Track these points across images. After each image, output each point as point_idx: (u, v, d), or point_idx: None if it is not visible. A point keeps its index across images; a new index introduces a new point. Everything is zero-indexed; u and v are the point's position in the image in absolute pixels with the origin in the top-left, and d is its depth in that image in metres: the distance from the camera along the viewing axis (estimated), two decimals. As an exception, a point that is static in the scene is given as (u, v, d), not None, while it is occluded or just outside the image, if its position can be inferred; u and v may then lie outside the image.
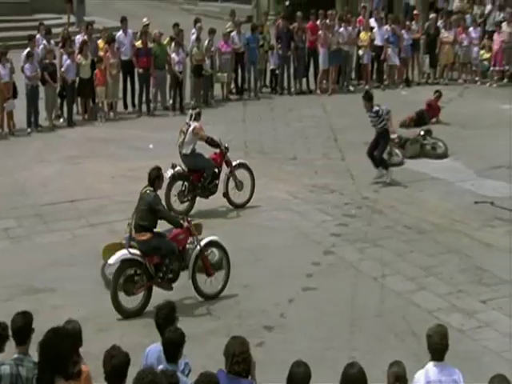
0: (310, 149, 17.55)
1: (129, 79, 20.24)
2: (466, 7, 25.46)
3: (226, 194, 13.84)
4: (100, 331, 9.75)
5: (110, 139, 18.01)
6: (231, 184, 13.88)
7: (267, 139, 18.26)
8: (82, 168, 16.05)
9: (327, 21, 22.44)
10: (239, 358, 6.29)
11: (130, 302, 10.35)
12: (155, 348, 7.03)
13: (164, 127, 18.89)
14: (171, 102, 20.47)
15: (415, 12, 24.64)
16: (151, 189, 10.42)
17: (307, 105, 21.24)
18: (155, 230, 10.48)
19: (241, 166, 14.06)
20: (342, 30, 22.41)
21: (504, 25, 22.99)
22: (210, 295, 10.80)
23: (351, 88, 22.60)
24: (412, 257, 12.16)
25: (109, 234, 12.41)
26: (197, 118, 13.54)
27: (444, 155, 16.83)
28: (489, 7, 24.83)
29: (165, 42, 20.53)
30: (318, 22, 22.46)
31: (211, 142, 13.69)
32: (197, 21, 21.57)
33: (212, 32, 20.97)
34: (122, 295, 10.28)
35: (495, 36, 23.00)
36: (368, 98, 15.20)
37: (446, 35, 23.20)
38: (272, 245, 12.48)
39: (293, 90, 22.47)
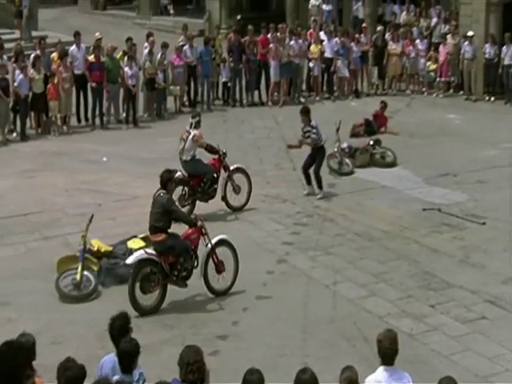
0: (262, 159, 17.76)
1: (82, 93, 20.29)
2: (412, 20, 25.85)
3: (224, 198, 14.37)
4: (54, 344, 9.79)
5: (63, 153, 18.01)
6: (229, 188, 14.36)
7: (220, 151, 18.47)
8: (35, 182, 16.05)
9: (278, 34, 22.77)
10: (193, 367, 6.32)
11: (146, 299, 10.76)
12: (110, 359, 7.05)
13: (117, 140, 19.01)
14: (124, 115, 20.55)
15: (364, 25, 25.02)
16: (164, 191, 10.88)
17: (259, 116, 21.48)
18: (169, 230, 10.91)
19: (238, 170, 14.65)
20: (292, 42, 22.72)
21: (449, 37, 23.52)
22: (220, 291, 11.27)
23: (302, 99, 22.85)
24: (363, 264, 12.38)
25: (63, 247, 12.48)
26: (197, 126, 14.07)
27: (393, 164, 17.14)
28: (434, 20, 25.28)
29: (118, 56, 20.64)
30: (269, 36, 22.77)
31: (210, 149, 14.26)
32: (149, 35, 21.73)
33: (165, 46, 21.17)
34: (138, 293, 10.67)
35: (441, 48, 23.45)
36: (305, 111, 15.45)
37: (393, 47, 23.63)
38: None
39: (245, 102, 22.69)
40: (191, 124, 14.07)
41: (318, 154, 15.27)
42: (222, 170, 14.33)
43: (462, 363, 9.58)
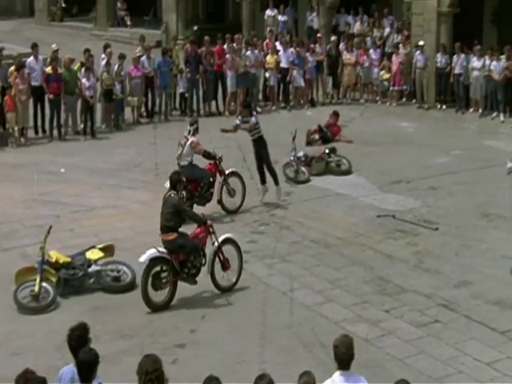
0: (220, 169, 17.92)
1: (39, 105, 20.25)
2: (366, 30, 26.23)
3: (220, 201, 14.85)
4: (13, 355, 9.82)
5: (21, 164, 17.99)
6: (225, 191, 14.90)
7: (178, 161, 18.58)
8: (-7, 193, 16.02)
9: (234, 45, 22.96)
10: (152, 376, 6.39)
11: (158, 296, 11.24)
12: (69, 369, 7.03)
13: (75, 152, 19.02)
14: (82, 126, 20.55)
15: (319, 35, 25.32)
16: (174, 192, 11.52)
17: (216, 126, 21.55)
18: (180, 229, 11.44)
19: (233, 174, 15.16)
20: (248, 53, 22.91)
21: (401, 46, 23.92)
22: (226, 288, 11.79)
23: (258, 109, 22.97)
24: (319, 270, 12.55)
25: (21, 259, 12.49)
26: (194, 132, 14.53)
27: (348, 172, 17.34)
28: (387, 30, 25.66)
29: (75, 68, 20.66)
30: (226, 46, 22.96)
31: (207, 155, 14.76)
32: (106, 46, 21.82)
33: (122, 57, 21.25)
34: (150, 290, 11.14)
35: (394, 57, 23.84)
36: (246, 105, 16.26)
37: (348, 57, 23.92)
38: (184, 264, 12.74)
39: (202, 112, 22.80)
40: (189, 131, 14.57)
41: (259, 148, 15.50)
42: (218, 175, 14.85)
43: (416, 366, 9.78)
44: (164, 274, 11.25)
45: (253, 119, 15.42)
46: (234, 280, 11.91)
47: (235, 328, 10.72)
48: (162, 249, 11.22)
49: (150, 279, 11.11)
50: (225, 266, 11.75)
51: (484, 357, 9.98)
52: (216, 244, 11.70)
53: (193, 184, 14.44)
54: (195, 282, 11.53)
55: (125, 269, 11.87)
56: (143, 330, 10.66)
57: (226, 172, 14.94)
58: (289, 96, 23.65)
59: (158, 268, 11.21)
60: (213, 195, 14.70)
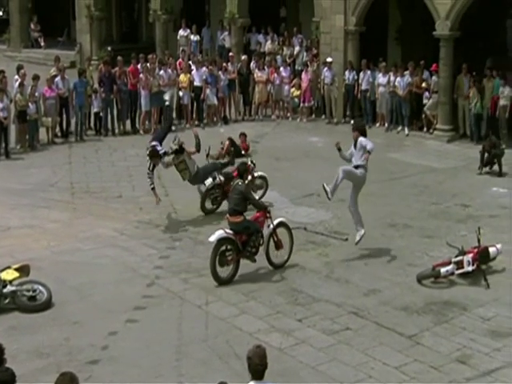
0: (135, 186, 18.00)
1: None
2: (276, 48, 26.84)
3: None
4: None
5: None
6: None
7: (93, 179, 18.60)
8: None
9: (148, 64, 23.16)
10: None
11: (223, 272, 12.71)
12: None
13: (-11, 173, 18.85)
14: (-4, 147, 20.41)
15: (231, 54, 25.76)
16: (241, 180, 13.18)
17: (131, 145, 21.74)
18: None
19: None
20: (162, 72, 23.15)
21: (310, 64, 24.52)
22: (279, 265, 13.30)
23: (173, 128, 23.22)
24: (233, 283, 12.75)
25: None
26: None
27: (261, 186, 17.68)
28: (297, 48, 26.28)
29: (-12, 89, 20.51)
30: (139, 66, 23.13)
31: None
32: (19, 67, 21.80)
33: (35, 78, 21.21)
34: (217, 267, 12.57)
35: (303, 75, 24.44)
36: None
37: (259, 75, 24.41)
38: (100, 281, 12.79)
39: (117, 131, 22.92)
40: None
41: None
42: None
43: (328, 373, 10.03)
44: (229, 253, 12.73)
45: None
46: (285, 257, 13.36)
47: (151, 343, 10.79)
48: (228, 230, 12.71)
49: (218, 257, 12.57)
50: (278, 245, 13.22)
51: (392, 361, 10.31)
52: (271, 226, 13.13)
53: (227, 186, 15.30)
54: (255, 260, 13.02)
55: (40, 288, 11.90)
56: (60, 348, 10.65)
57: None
58: (202, 114, 23.96)
59: (224, 247, 12.67)
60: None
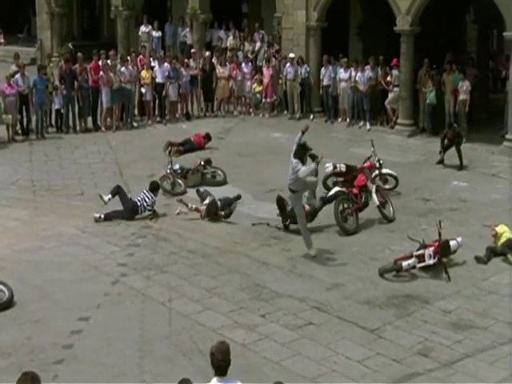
0: (97, 183, 17.90)
1: None
2: (238, 44, 26.84)
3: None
4: None
5: None
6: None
7: (55, 177, 18.46)
8: None
9: (109, 61, 23.02)
10: None
11: (348, 224, 14.81)
12: None
13: None
14: (-45, 146, 20.19)
15: (193, 50, 25.70)
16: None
17: (93, 142, 21.63)
18: None
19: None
20: (123, 69, 23.02)
21: (272, 59, 24.58)
22: (389, 218, 15.37)
23: (135, 124, 23.26)
24: (196, 280, 12.75)
25: None
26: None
27: (223, 182, 17.74)
28: (258, 44, 26.31)
29: None
30: (100, 63, 22.97)
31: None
32: (-21, 65, 21.54)
33: (-6, 75, 21.02)
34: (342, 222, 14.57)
35: (265, 70, 24.47)
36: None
37: (221, 71, 24.39)
38: (62, 280, 12.69)
39: (78, 128, 22.75)
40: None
41: None
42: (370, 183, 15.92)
43: (291, 367, 10.07)
44: (347, 208, 14.81)
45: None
46: (391, 213, 15.47)
47: (114, 341, 10.74)
48: (342, 188, 15.07)
49: (339, 215, 14.62)
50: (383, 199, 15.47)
51: (355, 355, 10.40)
52: (374, 186, 15.46)
53: (349, 176, 16.24)
54: (362, 209, 15.18)
55: (1, 287, 11.79)
56: (21, 347, 10.56)
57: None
58: (165, 110, 23.88)
59: (341, 207, 14.76)
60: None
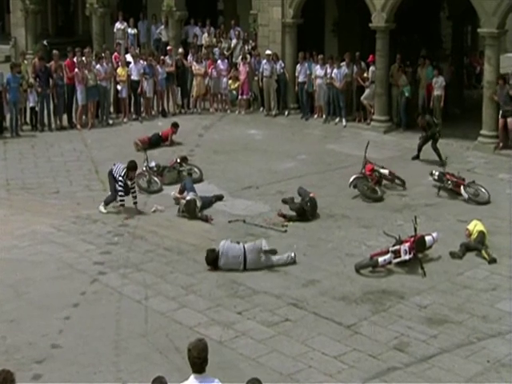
0: (72, 182, 17.87)
1: None
2: (214, 41, 26.79)
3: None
4: None
5: None
6: None
7: (29, 175, 18.35)
8: None
9: (84, 58, 22.89)
10: None
11: (375, 194, 16.52)
12: None
13: None
14: None
15: (168, 47, 25.62)
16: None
17: (68, 140, 21.51)
18: None
19: None
20: (98, 66, 22.91)
21: (248, 56, 24.56)
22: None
23: (110, 121, 23.16)
24: (173, 277, 12.74)
25: None
26: None
27: (199, 180, 17.64)
28: (234, 41, 26.24)
29: None
30: (75, 60, 22.84)
31: None
32: (-48, 64, 21.32)
33: (-32, 74, 20.81)
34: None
35: (241, 67, 24.43)
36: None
37: (197, 68, 24.33)
38: (36, 278, 12.64)
39: (53, 126, 22.61)
40: None
41: None
42: None
43: (268, 364, 10.10)
44: (368, 184, 16.70)
45: None
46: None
47: (90, 339, 10.72)
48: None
49: (367, 191, 16.57)
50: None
51: (331, 350, 10.44)
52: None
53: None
54: (379, 182, 17.01)
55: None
56: (-5, 347, 10.50)
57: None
58: (140, 107, 23.80)
59: (365, 187, 16.66)
60: None
